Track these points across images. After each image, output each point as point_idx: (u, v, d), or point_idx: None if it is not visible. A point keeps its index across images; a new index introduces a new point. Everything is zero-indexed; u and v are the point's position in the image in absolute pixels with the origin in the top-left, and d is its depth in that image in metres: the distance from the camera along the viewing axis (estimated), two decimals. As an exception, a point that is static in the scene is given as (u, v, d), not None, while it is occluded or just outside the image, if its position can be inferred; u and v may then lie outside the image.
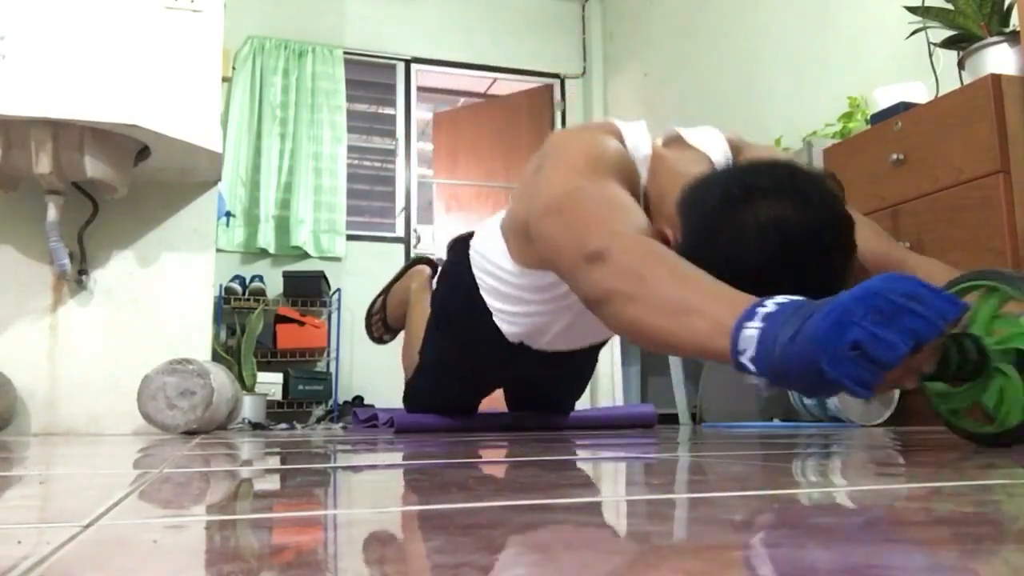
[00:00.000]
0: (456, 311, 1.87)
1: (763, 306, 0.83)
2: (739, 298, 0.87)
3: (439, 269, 2.17)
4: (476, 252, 1.79)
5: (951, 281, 1.07)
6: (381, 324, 2.57)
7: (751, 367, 0.81)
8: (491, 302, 1.76)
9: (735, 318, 0.83)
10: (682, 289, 0.93)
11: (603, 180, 1.22)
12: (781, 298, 0.83)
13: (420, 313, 2.23)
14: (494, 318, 1.77)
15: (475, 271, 1.79)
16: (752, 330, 0.81)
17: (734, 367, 0.83)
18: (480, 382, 2.08)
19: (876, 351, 0.72)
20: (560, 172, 1.25)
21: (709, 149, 1.45)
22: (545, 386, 2.15)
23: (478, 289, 1.77)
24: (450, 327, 1.92)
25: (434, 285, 2.13)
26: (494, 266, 1.71)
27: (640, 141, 1.37)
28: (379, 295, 2.58)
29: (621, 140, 1.35)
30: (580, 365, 2.11)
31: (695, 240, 1.14)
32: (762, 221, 1.05)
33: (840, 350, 0.73)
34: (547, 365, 1.89)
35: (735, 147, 1.52)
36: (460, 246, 1.88)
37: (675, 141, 1.47)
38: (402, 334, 2.48)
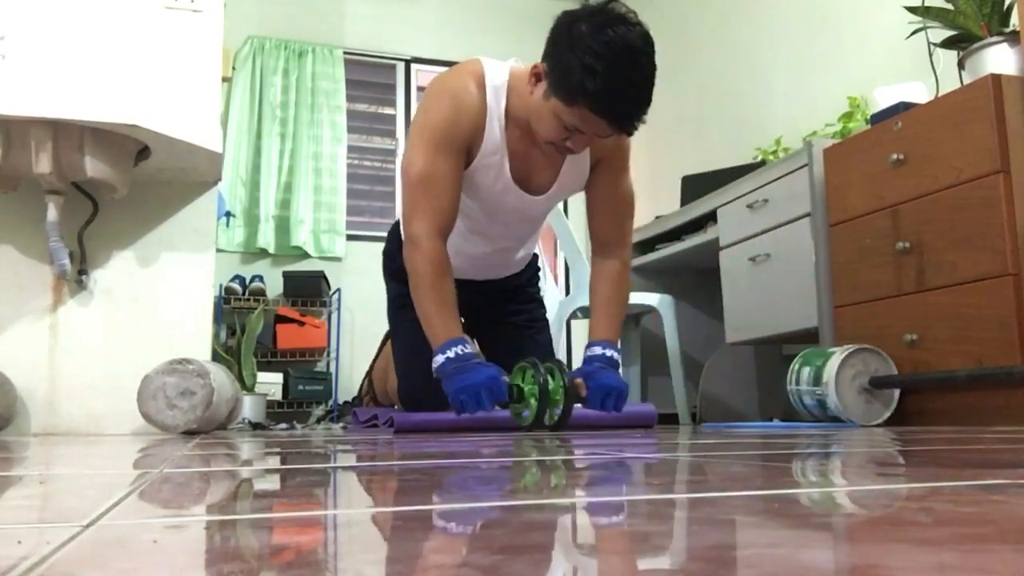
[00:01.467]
0: (391, 261, 2.24)
1: (444, 353, 1.79)
2: (441, 333, 1.80)
3: None
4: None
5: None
6: (373, 403, 2.71)
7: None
8: None
9: (438, 344, 1.80)
10: (430, 307, 1.82)
11: (441, 158, 1.79)
12: (450, 353, 1.78)
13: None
14: None
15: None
16: (438, 360, 1.80)
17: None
18: None
19: (459, 407, 1.77)
20: (414, 150, 1.82)
21: None
22: (506, 338, 2.33)
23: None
24: (398, 295, 2.20)
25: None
26: None
27: (498, 72, 1.85)
28: (364, 378, 2.76)
29: (480, 77, 1.82)
30: (505, 302, 2.33)
31: (551, 63, 1.71)
32: (590, 27, 1.63)
33: (450, 395, 1.78)
34: (473, 292, 2.18)
35: None
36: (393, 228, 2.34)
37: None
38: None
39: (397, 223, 2.25)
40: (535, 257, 2.40)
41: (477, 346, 2.31)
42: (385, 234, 5.54)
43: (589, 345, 1.97)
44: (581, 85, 1.63)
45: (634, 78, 1.65)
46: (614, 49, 1.62)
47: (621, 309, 2.03)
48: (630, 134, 1.75)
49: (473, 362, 1.78)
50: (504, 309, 2.31)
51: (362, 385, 2.80)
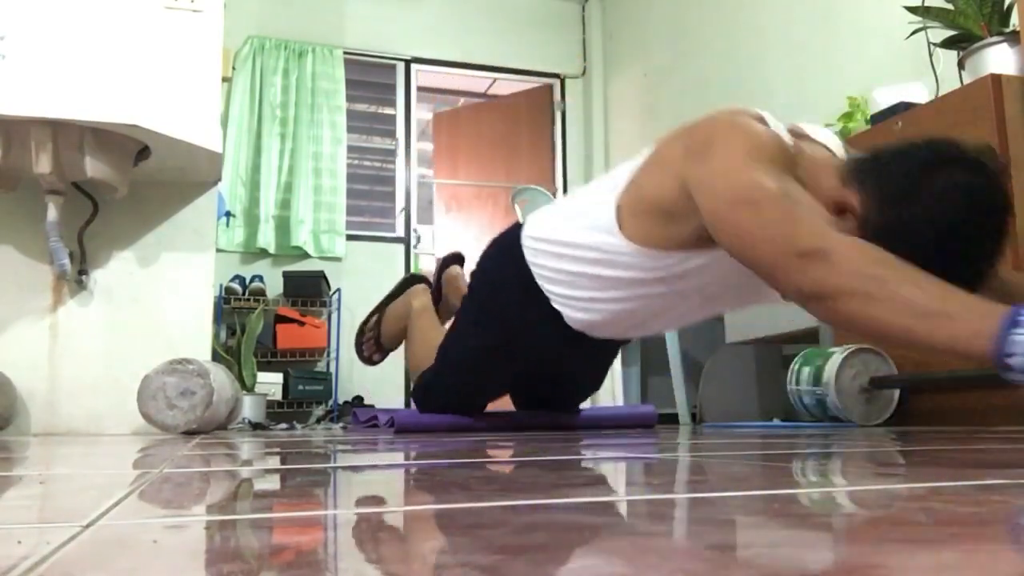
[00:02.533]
0: (505, 302, 1.86)
1: (1021, 315, 0.96)
2: (991, 307, 0.99)
3: (462, 276, 2.19)
4: (534, 239, 1.80)
5: None
6: (373, 342, 2.56)
7: (1016, 370, 0.93)
8: (552, 288, 1.76)
9: (997, 325, 0.95)
10: (927, 294, 1.05)
11: (782, 175, 1.29)
12: None
13: (426, 324, 2.27)
14: (554, 303, 1.76)
15: (531, 259, 1.79)
16: (1020, 336, 0.93)
17: (998, 369, 0.95)
18: (504, 380, 2.07)
19: None
20: (738, 162, 1.31)
21: (827, 143, 1.53)
22: (571, 379, 2.14)
23: (533, 279, 1.78)
24: (496, 320, 1.89)
25: (454, 301, 2.18)
26: (573, 247, 1.68)
27: (781, 129, 1.43)
28: (372, 313, 2.58)
29: (767, 127, 1.40)
30: (610, 360, 2.13)
31: (891, 205, 1.23)
32: (959, 183, 1.18)
33: None
34: (589, 359, 1.94)
35: (846, 146, 1.58)
36: (506, 241, 1.90)
37: (800, 134, 1.53)
38: (392, 354, 2.50)
39: (519, 267, 1.82)
40: None
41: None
42: (386, 234, 5.54)
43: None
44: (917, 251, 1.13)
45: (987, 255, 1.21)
46: (992, 234, 1.19)
47: None
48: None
49: None
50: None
51: (367, 321, 2.62)
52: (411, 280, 2.54)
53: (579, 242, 1.67)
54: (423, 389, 2.10)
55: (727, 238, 1.33)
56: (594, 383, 2.20)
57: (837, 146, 1.52)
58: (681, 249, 1.52)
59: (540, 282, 1.77)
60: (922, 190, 1.20)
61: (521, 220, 2.09)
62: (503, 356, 1.91)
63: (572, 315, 1.75)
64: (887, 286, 1.09)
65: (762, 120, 1.42)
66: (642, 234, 1.56)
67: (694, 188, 1.39)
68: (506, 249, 1.87)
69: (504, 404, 2.23)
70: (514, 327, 1.85)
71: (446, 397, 2.04)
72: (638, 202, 1.56)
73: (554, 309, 1.76)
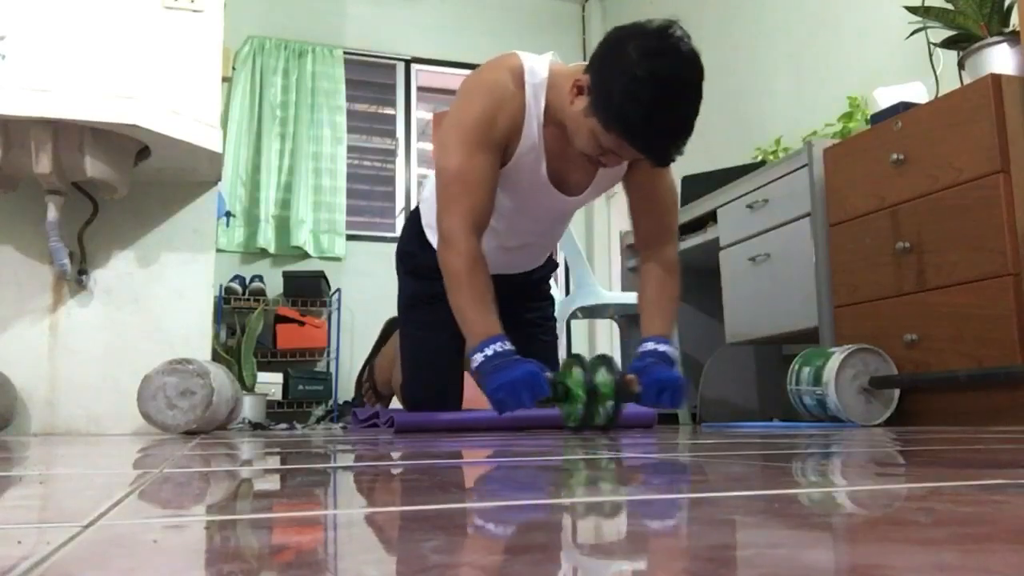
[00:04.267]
0: (408, 254, 2.20)
1: (484, 351, 1.69)
2: (482, 329, 1.71)
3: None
4: (423, 202, 2.19)
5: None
6: (372, 393, 2.68)
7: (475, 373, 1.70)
8: (432, 234, 2.04)
9: (477, 342, 1.71)
10: (467, 304, 1.74)
11: (477, 157, 1.74)
12: (488, 351, 1.69)
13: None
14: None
15: (423, 215, 2.16)
16: (477, 358, 1.70)
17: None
18: (448, 323, 2.13)
19: (500, 405, 1.67)
20: (450, 146, 1.78)
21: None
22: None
23: (424, 234, 2.13)
24: (408, 276, 2.20)
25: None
26: (431, 193, 2.03)
27: (538, 68, 1.78)
28: (365, 364, 2.71)
29: (519, 73, 1.76)
30: (525, 298, 2.29)
31: (595, 74, 1.63)
32: (638, 46, 1.55)
33: (490, 394, 1.68)
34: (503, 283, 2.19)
35: None
36: (413, 213, 2.26)
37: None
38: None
39: (414, 218, 2.22)
40: (552, 254, 2.35)
41: None
42: (386, 234, 5.55)
43: (642, 342, 1.88)
44: (621, 113, 1.57)
45: (677, 113, 1.59)
46: (660, 80, 1.53)
47: (672, 304, 1.94)
48: (665, 165, 1.71)
49: (513, 358, 1.69)
50: (519, 305, 2.27)
51: (361, 374, 2.74)
52: (393, 324, 2.61)
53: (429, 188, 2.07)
54: (410, 401, 2.20)
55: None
56: (526, 307, 2.32)
57: None
58: None
59: (427, 231, 2.11)
60: (609, 59, 1.59)
61: None
62: (428, 305, 2.08)
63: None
64: (453, 286, 1.76)
65: (517, 67, 1.77)
66: None
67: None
68: (410, 218, 2.26)
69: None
70: (419, 273, 2.11)
71: (423, 383, 2.11)
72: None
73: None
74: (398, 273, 2.30)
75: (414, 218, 2.22)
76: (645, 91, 1.53)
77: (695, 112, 1.64)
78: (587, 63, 1.68)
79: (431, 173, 2.24)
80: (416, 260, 2.15)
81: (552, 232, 2.13)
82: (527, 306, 2.29)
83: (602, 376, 1.75)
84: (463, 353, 2.23)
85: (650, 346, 1.85)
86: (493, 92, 1.75)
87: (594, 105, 1.62)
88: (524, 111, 1.76)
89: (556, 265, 2.43)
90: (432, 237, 2.03)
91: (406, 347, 2.25)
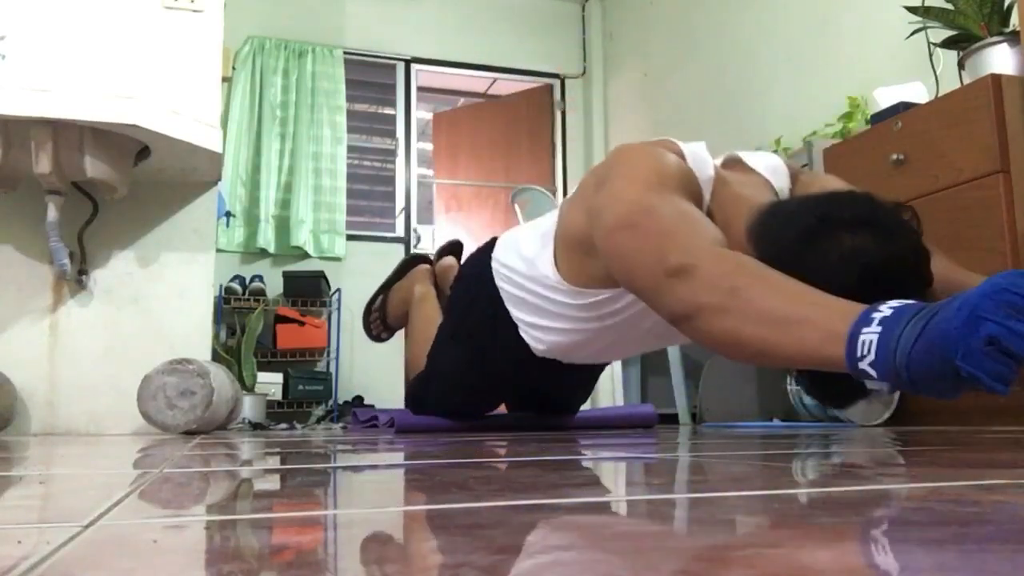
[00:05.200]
0: (476, 322, 1.84)
1: (878, 311, 0.84)
2: (847, 306, 0.87)
3: (455, 269, 2.17)
4: (500, 263, 1.76)
5: None
6: (380, 322, 2.55)
7: (872, 372, 0.81)
8: (518, 315, 1.72)
9: (847, 325, 0.84)
10: (781, 299, 0.95)
11: (674, 195, 1.21)
12: (895, 302, 0.84)
13: (425, 315, 2.22)
14: (520, 331, 1.73)
15: (499, 283, 1.75)
16: (870, 335, 0.82)
17: (852, 373, 0.84)
18: (493, 394, 2.06)
19: (1013, 344, 0.72)
20: (630, 186, 1.23)
21: (770, 174, 1.44)
22: (557, 392, 2.12)
23: (502, 301, 1.74)
24: (468, 338, 1.87)
25: (448, 290, 2.11)
26: (528, 279, 1.65)
27: (702, 161, 1.35)
28: (378, 293, 2.55)
29: (683, 159, 1.33)
30: (597, 373, 2.10)
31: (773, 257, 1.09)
32: (843, 253, 1.04)
33: (975, 345, 0.73)
34: (568, 377, 1.89)
35: (794, 174, 1.50)
36: (480, 255, 1.88)
37: (735, 164, 1.45)
38: (401, 332, 2.47)
39: (487, 250, 1.86)
40: None
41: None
42: (386, 234, 5.55)
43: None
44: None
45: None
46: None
47: None
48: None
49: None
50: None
51: (373, 300, 2.61)
52: (413, 261, 2.52)
53: (529, 273, 1.64)
54: (415, 400, 2.10)
55: (611, 264, 1.24)
56: (582, 395, 2.19)
57: (784, 177, 1.47)
58: (605, 285, 1.47)
59: (508, 305, 1.74)
60: (805, 262, 1.05)
61: (521, 220, 2.10)
62: (480, 370, 1.88)
63: (532, 339, 1.73)
64: (740, 295, 0.98)
65: (679, 153, 1.35)
66: (572, 270, 1.53)
67: (590, 218, 1.32)
68: (478, 269, 1.84)
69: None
70: (485, 346, 1.83)
71: (435, 406, 2.03)
72: (564, 237, 1.54)
73: (519, 336, 1.74)
74: (455, 337, 1.94)
75: (490, 292, 1.78)
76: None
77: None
78: (749, 233, 1.21)
79: (510, 238, 1.80)
80: (486, 337, 1.83)
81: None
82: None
83: None
84: (486, 406, 2.10)
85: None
86: (677, 162, 1.32)
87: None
88: (703, 200, 1.34)
89: None
90: (524, 316, 1.71)
91: (450, 364, 1.95)
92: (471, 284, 1.89)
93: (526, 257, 1.66)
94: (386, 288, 2.54)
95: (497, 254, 1.79)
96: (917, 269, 1.06)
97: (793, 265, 1.04)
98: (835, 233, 1.06)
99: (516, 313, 1.72)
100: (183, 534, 0.43)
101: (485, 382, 1.93)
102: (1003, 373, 0.73)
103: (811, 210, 1.12)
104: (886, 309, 0.83)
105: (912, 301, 0.83)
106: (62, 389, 2.36)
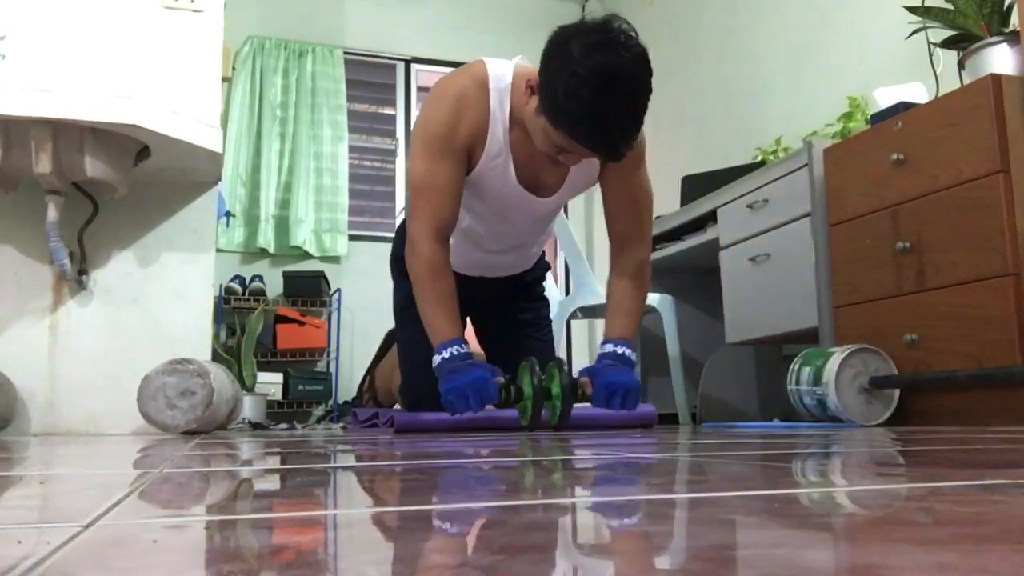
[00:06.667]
0: (403, 295, 2.17)
1: (442, 353, 1.80)
2: (437, 333, 1.82)
3: None
4: (397, 227, 2.33)
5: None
6: (373, 402, 2.72)
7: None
8: None
9: (435, 344, 1.82)
10: (430, 309, 1.84)
11: (439, 163, 1.78)
12: (445, 354, 1.79)
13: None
14: None
15: (396, 245, 2.26)
16: (436, 359, 1.82)
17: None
18: None
19: (450, 406, 1.78)
20: (415, 155, 1.84)
21: None
22: (496, 302, 2.30)
23: (403, 258, 2.16)
24: (404, 310, 2.17)
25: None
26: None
27: (502, 73, 1.80)
28: (366, 375, 2.72)
29: (483, 80, 1.78)
30: (512, 301, 2.32)
31: (542, 75, 1.64)
32: (580, 49, 1.55)
33: (443, 395, 1.78)
34: (482, 289, 2.20)
35: None
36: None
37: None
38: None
39: (403, 224, 2.25)
40: (543, 255, 2.38)
41: (477, 345, 2.31)
42: (386, 234, 5.56)
43: (602, 343, 1.94)
44: (564, 111, 1.58)
45: (621, 107, 1.58)
46: (601, 75, 1.54)
47: (636, 306, 1.97)
48: (616, 160, 1.69)
49: (466, 363, 1.78)
50: (512, 307, 2.31)
51: (362, 384, 2.79)
52: (393, 336, 2.64)
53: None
54: (403, 389, 2.23)
55: None
56: (516, 309, 2.35)
57: None
58: None
59: None
60: (553, 58, 1.61)
61: None
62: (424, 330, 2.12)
63: None
64: (418, 291, 1.86)
65: (481, 74, 1.80)
66: None
67: None
68: (401, 224, 2.27)
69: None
70: (406, 275, 2.10)
71: (420, 382, 2.08)
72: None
73: None
74: (392, 276, 2.33)
75: (404, 223, 2.24)
76: (586, 87, 1.54)
77: (642, 106, 1.62)
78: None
79: None
80: (404, 263, 2.19)
81: (533, 234, 2.14)
82: (521, 307, 2.32)
83: (553, 378, 1.85)
84: None
85: (609, 348, 1.90)
86: (455, 99, 1.78)
87: (542, 104, 1.65)
88: (488, 116, 1.79)
89: (548, 266, 2.46)
90: None
91: (402, 347, 2.27)
92: (395, 247, 2.29)
93: (405, 207, 2.21)
94: (371, 369, 2.70)
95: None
96: (637, 66, 1.58)
97: (546, 68, 1.62)
98: (577, 35, 1.58)
99: None
100: (183, 534, 0.43)
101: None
102: (449, 410, 1.80)
103: (554, 38, 1.64)
104: (447, 353, 1.80)
105: (450, 357, 1.81)
106: (62, 389, 2.36)
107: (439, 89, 1.85)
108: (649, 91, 1.61)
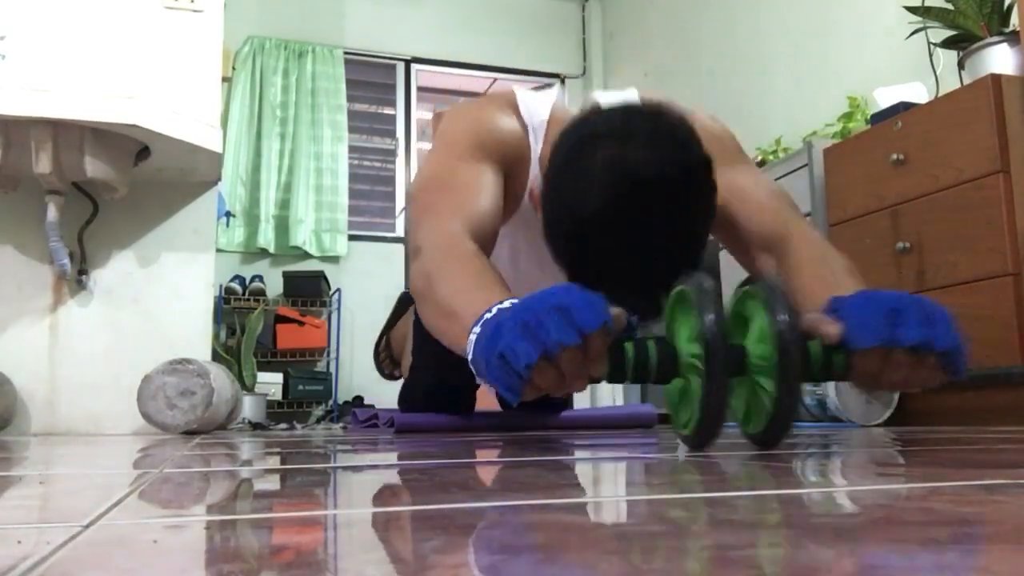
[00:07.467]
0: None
1: (490, 311, 0.88)
2: (490, 300, 0.90)
3: None
4: None
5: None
6: (389, 361, 2.63)
7: (477, 369, 0.88)
8: None
9: (472, 322, 0.89)
10: (452, 290, 0.99)
11: (471, 163, 1.24)
12: (507, 303, 0.88)
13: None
14: None
15: None
16: (473, 335, 0.88)
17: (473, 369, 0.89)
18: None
19: (512, 360, 0.79)
20: (436, 154, 1.29)
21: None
22: None
23: None
24: None
25: None
26: None
27: (536, 108, 1.35)
28: (381, 334, 2.66)
29: (516, 110, 1.34)
30: None
31: (545, 198, 1.12)
32: (595, 167, 1.01)
33: (491, 359, 0.81)
34: None
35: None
36: None
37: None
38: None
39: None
40: None
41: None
42: (386, 234, 5.55)
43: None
44: (567, 256, 1.09)
45: (647, 244, 1.02)
46: (617, 208, 1.00)
47: (850, 263, 1.30)
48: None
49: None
50: None
51: (378, 345, 2.69)
52: (406, 300, 2.60)
53: None
54: (405, 389, 2.13)
55: None
56: None
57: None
58: None
59: None
60: (560, 176, 1.07)
61: None
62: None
63: None
64: (431, 283, 1.02)
65: (512, 104, 1.35)
66: None
67: None
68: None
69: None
70: None
71: (427, 391, 2.03)
72: None
73: None
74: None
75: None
76: (597, 229, 1.02)
77: (688, 233, 1.05)
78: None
79: None
80: None
81: None
82: None
83: (758, 327, 0.88)
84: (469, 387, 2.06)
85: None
86: (489, 115, 1.33)
87: (545, 235, 1.12)
88: (530, 152, 1.34)
89: None
90: None
91: (425, 350, 1.92)
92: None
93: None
94: (387, 329, 2.63)
95: None
96: (680, 175, 1.01)
97: (558, 190, 1.07)
98: (588, 147, 1.03)
99: None
100: (183, 534, 0.43)
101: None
102: (510, 383, 0.80)
103: (575, 128, 1.09)
104: (495, 310, 0.87)
105: (521, 301, 0.84)
106: (62, 389, 2.36)
107: (460, 109, 1.42)
108: (703, 207, 1.06)
